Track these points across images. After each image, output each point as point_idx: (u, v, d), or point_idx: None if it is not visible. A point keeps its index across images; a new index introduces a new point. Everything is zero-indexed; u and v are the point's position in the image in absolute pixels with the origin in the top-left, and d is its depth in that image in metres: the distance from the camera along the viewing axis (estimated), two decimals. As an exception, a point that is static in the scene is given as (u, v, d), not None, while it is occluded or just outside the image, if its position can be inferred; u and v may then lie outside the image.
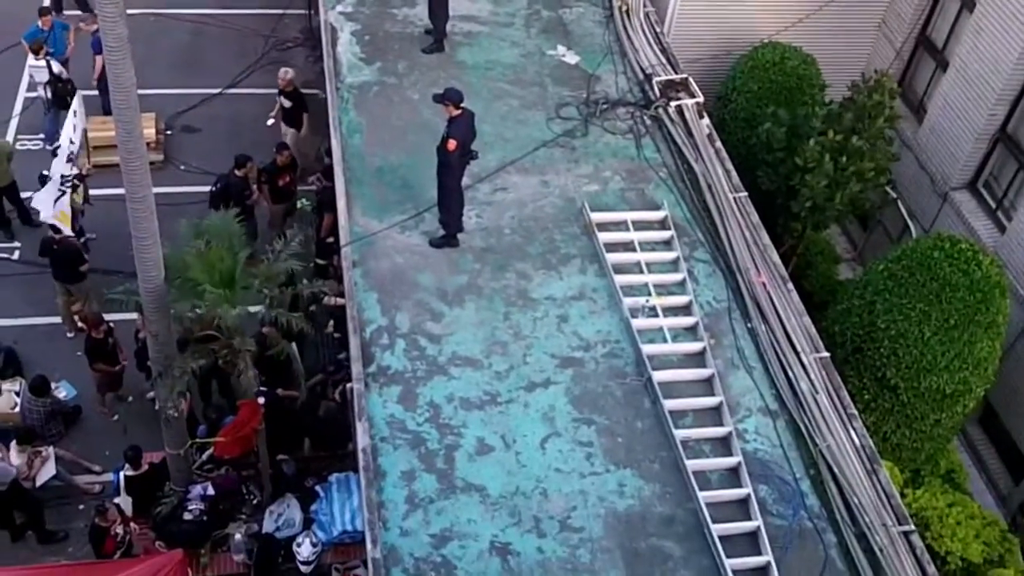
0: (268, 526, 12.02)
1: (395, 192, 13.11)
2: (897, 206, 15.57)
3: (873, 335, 12.32)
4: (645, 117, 14.55)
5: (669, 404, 10.98)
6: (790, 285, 12.25)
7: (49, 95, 16.63)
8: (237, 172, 14.84)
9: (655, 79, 14.76)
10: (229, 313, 10.46)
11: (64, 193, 13.54)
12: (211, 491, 12.06)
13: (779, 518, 10.24)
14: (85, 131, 15.15)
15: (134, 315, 12.35)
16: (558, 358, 11.44)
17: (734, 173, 13.55)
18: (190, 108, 18.29)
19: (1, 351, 13.98)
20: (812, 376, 11.24)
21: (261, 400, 12.03)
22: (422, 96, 14.14)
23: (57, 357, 14.21)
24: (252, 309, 11.70)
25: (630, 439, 10.78)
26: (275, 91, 16.87)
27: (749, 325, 11.96)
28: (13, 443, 12.27)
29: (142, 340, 12.49)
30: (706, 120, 14.37)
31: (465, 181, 12.56)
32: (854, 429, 10.84)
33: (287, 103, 16.61)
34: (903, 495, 11.82)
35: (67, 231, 13.79)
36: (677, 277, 12.41)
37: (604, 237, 12.68)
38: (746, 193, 13.31)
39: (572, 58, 15.57)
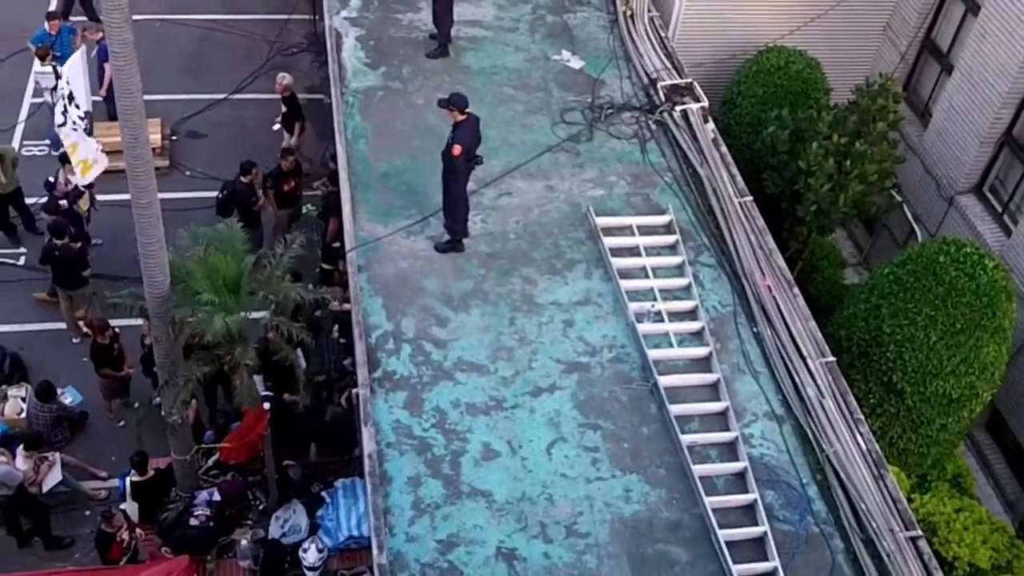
0: (274, 532, 12.02)
1: (400, 197, 13.12)
2: (903, 210, 15.55)
3: (879, 339, 12.30)
4: (650, 121, 14.56)
5: (675, 409, 10.97)
6: (796, 289, 12.24)
7: (55, 101, 16.64)
8: (243, 179, 14.85)
9: (660, 83, 14.77)
10: (219, 322, 10.37)
11: (85, 132, 12.58)
12: (217, 497, 12.06)
13: (786, 523, 10.23)
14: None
15: (140, 320, 12.34)
16: (564, 363, 11.44)
17: (739, 177, 13.55)
18: (195, 113, 18.31)
19: (7, 357, 13.99)
20: (818, 381, 11.22)
21: (267, 406, 12.03)
22: (427, 101, 14.15)
23: (63, 363, 14.21)
24: (255, 315, 11.69)
25: (636, 444, 10.77)
26: (280, 96, 16.89)
27: (755, 330, 11.95)
28: (19, 449, 12.26)
29: (148, 346, 12.50)
30: (711, 124, 14.37)
31: (470, 186, 12.57)
32: (861, 434, 10.82)
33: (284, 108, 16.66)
34: (910, 500, 11.79)
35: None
36: (683, 282, 12.40)
37: (609, 242, 12.68)
38: (751, 197, 13.30)
39: (577, 63, 15.58)
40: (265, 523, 12.18)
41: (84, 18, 19.42)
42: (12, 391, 13.47)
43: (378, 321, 11.66)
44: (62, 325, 14.65)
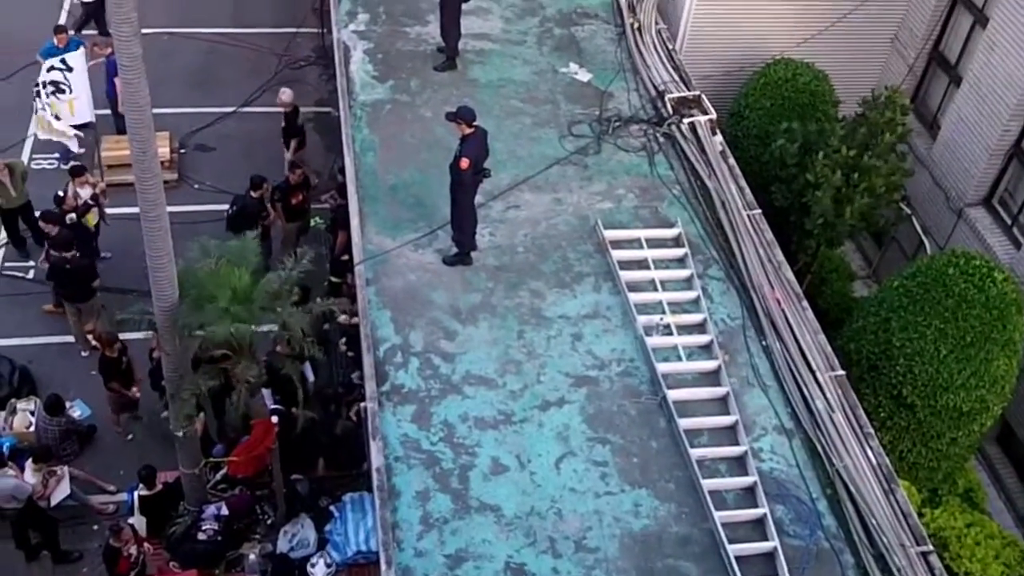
0: (282, 546, 12.00)
1: (408, 210, 13.13)
2: (911, 222, 15.50)
3: (889, 353, 12.25)
4: (658, 134, 14.54)
5: (684, 423, 10.93)
6: (805, 303, 12.20)
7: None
8: (253, 193, 14.89)
9: (668, 96, 14.76)
10: (223, 331, 10.37)
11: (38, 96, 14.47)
12: (225, 511, 12.05)
13: (796, 538, 10.17)
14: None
15: (149, 334, 12.35)
16: (572, 377, 11.41)
17: (747, 190, 13.53)
18: (204, 127, 18.37)
19: (16, 370, 14.01)
20: (828, 394, 11.18)
21: (275, 420, 12.02)
22: (435, 114, 14.16)
23: (71, 376, 14.24)
24: (263, 328, 11.68)
25: (645, 458, 10.73)
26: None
27: (764, 343, 11.91)
28: (28, 462, 12.28)
29: (156, 359, 12.50)
30: (719, 137, 14.37)
31: (478, 199, 12.58)
32: (871, 448, 10.77)
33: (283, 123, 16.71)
34: (921, 515, 11.73)
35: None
36: (691, 295, 12.37)
37: (618, 255, 12.66)
38: (760, 210, 13.28)
39: (584, 75, 15.59)
40: (273, 537, 12.16)
41: (95, 32, 19.51)
42: (21, 404, 13.51)
43: (386, 334, 11.65)
44: (71, 338, 14.68)
